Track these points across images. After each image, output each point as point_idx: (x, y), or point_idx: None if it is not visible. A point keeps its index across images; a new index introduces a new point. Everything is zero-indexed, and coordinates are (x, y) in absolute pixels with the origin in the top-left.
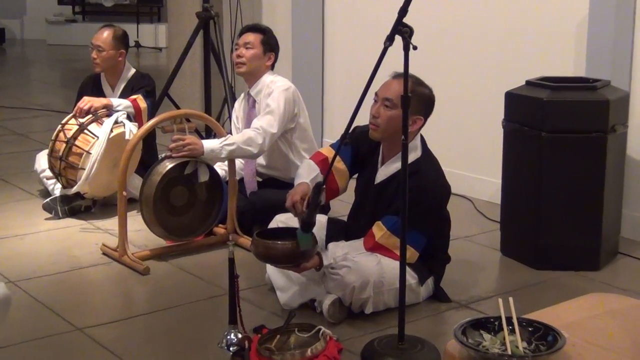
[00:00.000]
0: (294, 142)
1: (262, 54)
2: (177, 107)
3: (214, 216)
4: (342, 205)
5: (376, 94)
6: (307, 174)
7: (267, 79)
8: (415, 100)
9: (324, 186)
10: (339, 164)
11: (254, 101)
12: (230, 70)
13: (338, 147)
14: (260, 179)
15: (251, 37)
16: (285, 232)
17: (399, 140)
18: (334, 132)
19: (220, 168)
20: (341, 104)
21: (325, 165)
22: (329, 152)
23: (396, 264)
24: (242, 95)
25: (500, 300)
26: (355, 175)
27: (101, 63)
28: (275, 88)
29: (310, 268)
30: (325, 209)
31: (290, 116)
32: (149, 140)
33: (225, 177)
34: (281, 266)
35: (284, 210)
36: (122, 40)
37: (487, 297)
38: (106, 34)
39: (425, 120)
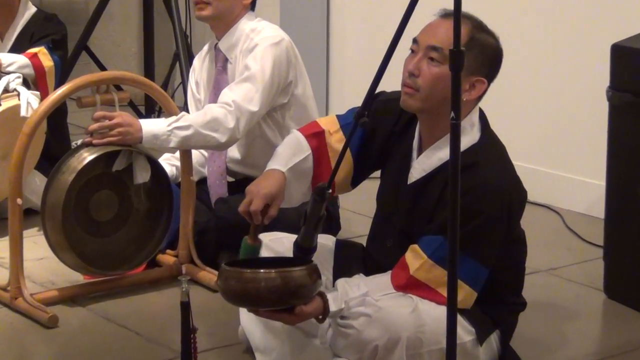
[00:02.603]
0: (287, 125)
1: None
2: (102, 68)
3: (158, 237)
4: (358, 221)
5: (415, 40)
6: (288, 154)
7: (246, 25)
8: (476, 52)
9: (329, 192)
10: (340, 144)
11: (226, 60)
12: (185, 12)
13: (352, 128)
14: (232, 180)
15: None
16: (270, 263)
17: (448, 114)
18: (345, 105)
19: (169, 163)
20: (356, 62)
21: (320, 143)
22: (329, 124)
23: (442, 312)
24: (206, 48)
25: None
26: (377, 174)
27: None
28: (259, 41)
29: (310, 317)
30: (331, 225)
31: (282, 85)
32: (57, 119)
33: (178, 176)
34: (264, 312)
35: (268, 226)
36: None
37: None
38: None
39: (489, 84)
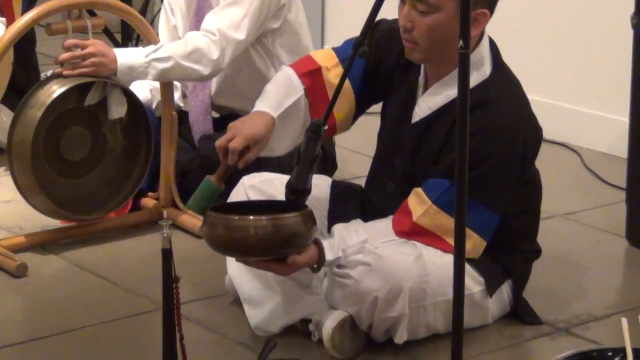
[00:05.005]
0: (277, 53)
1: None
2: None
3: (136, 178)
4: (356, 160)
5: None
6: (279, 95)
7: None
8: None
9: (325, 129)
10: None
11: None
12: None
13: (350, 58)
14: (217, 115)
15: None
16: (260, 207)
17: (452, 53)
18: (342, 35)
19: (145, 96)
20: None
21: (316, 81)
22: (326, 59)
23: (448, 260)
24: None
25: (624, 321)
26: (377, 107)
27: None
28: None
29: (304, 266)
30: (327, 165)
31: (274, 9)
32: (24, 48)
33: (155, 107)
34: (254, 261)
35: (257, 167)
36: None
37: (602, 315)
38: None
39: (492, 12)
